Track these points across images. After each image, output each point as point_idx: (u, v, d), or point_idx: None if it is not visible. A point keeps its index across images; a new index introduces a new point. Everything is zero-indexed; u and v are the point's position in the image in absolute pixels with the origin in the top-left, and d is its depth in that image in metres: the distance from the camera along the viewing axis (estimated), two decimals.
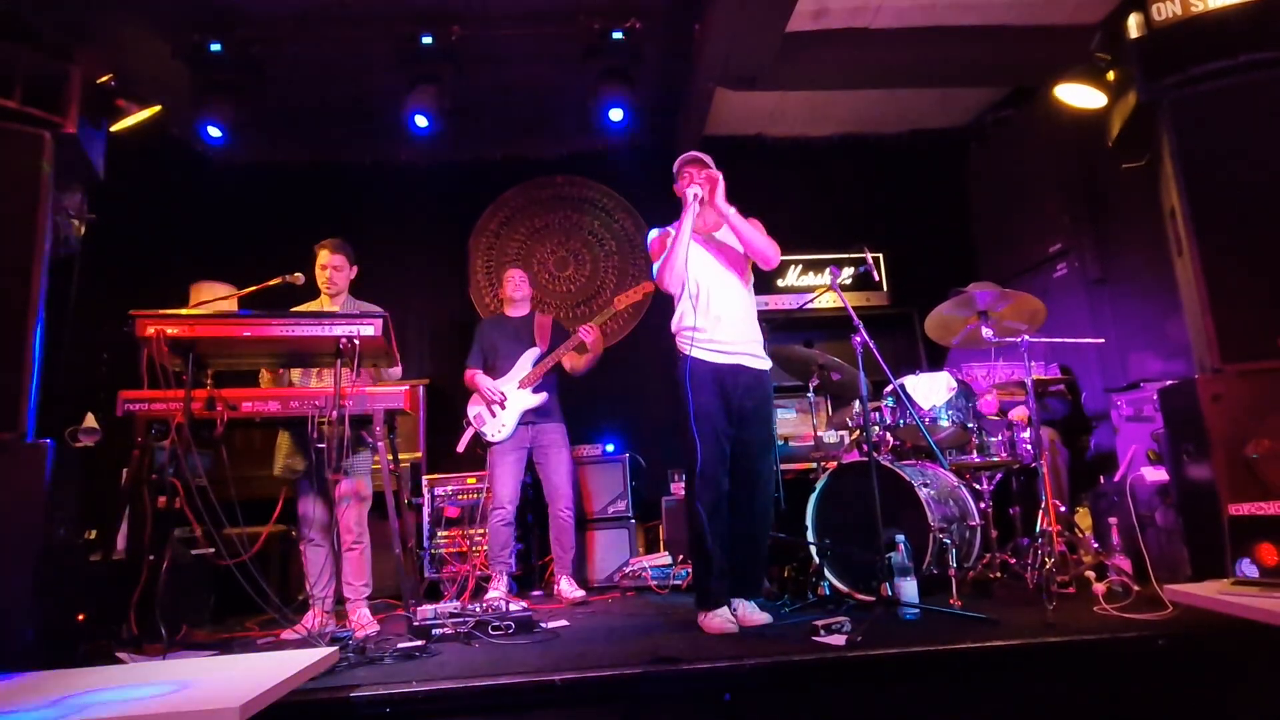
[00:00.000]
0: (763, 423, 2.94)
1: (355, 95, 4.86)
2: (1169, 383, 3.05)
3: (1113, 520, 3.31)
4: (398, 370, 3.39)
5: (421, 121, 4.30)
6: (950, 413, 3.42)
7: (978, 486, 3.49)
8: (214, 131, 4.25)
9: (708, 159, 2.96)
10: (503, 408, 3.92)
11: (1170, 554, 3.02)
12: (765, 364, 2.98)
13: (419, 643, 2.55)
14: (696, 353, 2.85)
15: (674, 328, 2.97)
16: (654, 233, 3.09)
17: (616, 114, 4.35)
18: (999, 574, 3.17)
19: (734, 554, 2.81)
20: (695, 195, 2.85)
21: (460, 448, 4.06)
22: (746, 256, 3.00)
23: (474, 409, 3.99)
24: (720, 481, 2.79)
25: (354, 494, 3.22)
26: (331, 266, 3.41)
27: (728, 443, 2.83)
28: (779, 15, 4.10)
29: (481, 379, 3.96)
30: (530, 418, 3.94)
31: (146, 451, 2.77)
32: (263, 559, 2.80)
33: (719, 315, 2.89)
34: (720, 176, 2.90)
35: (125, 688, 1.91)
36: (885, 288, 5.49)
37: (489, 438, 3.92)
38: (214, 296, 4.13)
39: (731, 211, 2.90)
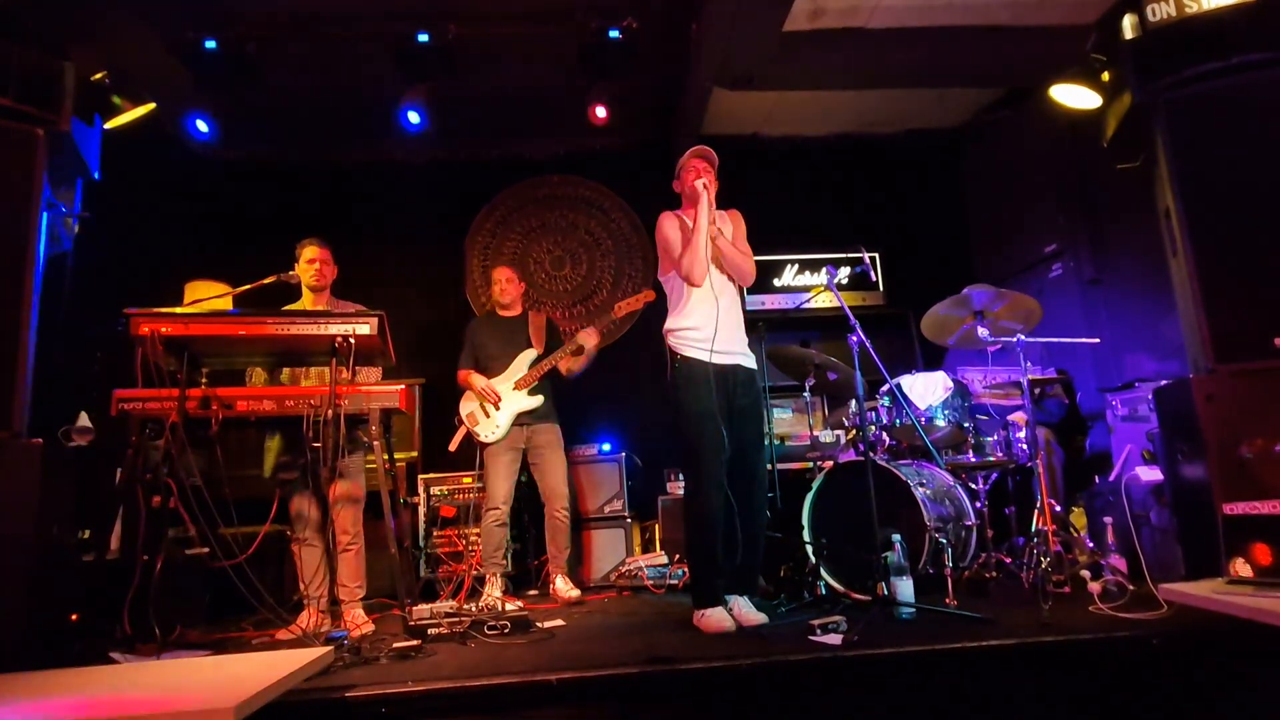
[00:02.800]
0: (757, 420, 2.96)
1: (351, 93, 4.84)
2: (1164, 383, 3.06)
3: (1108, 520, 3.32)
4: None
5: (414, 117, 4.29)
6: (946, 412, 3.43)
7: (973, 486, 3.50)
8: (201, 126, 4.24)
9: (712, 154, 2.98)
10: (497, 408, 3.90)
11: (1165, 553, 3.03)
12: (754, 362, 3.01)
13: (414, 642, 2.54)
14: (694, 354, 2.86)
15: (668, 329, 2.96)
16: (667, 218, 3.02)
17: (600, 112, 4.35)
18: (994, 573, 3.18)
19: (731, 552, 2.81)
20: (704, 185, 2.87)
21: (452, 447, 4.05)
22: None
23: (466, 408, 3.97)
24: (724, 482, 2.80)
25: (349, 494, 3.21)
26: (320, 260, 3.40)
27: (728, 442, 2.84)
28: (776, 15, 4.10)
29: (477, 377, 3.93)
30: (525, 419, 3.92)
31: (141, 450, 2.76)
32: (258, 559, 2.78)
33: (716, 316, 2.89)
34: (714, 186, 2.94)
35: (119, 688, 1.90)
36: (881, 287, 5.50)
37: (482, 438, 3.90)
38: (209, 295, 4.11)
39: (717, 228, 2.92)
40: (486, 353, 4.01)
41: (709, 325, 2.85)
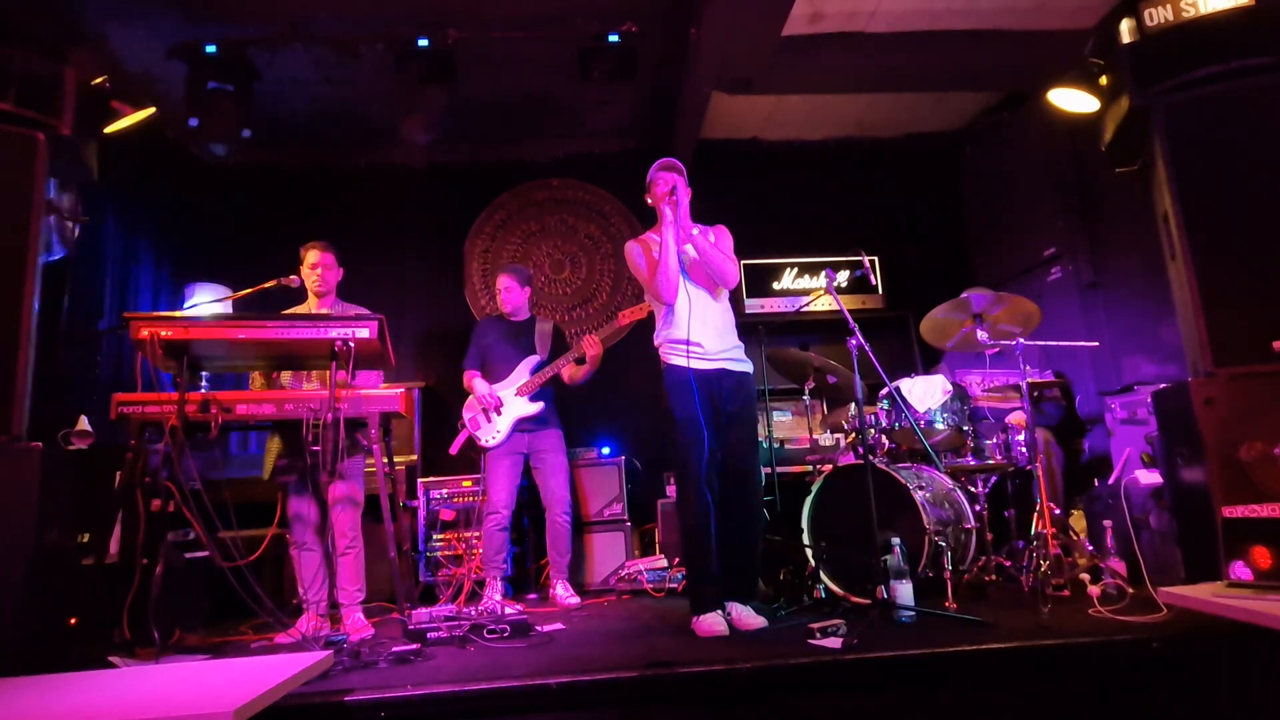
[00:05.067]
0: (748, 424, 2.95)
1: (351, 98, 4.85)
2: (1162, 386, 3.07)
3: (1107, 523, 3.32)
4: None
5: (421, 140, 4.30)
6: (945, 415, 3.43)
7: (973, 489, 3.50)
8: (217, 150, 4.24)
9: (679, 164, 2.98)
10: (498, 414, 3.90)
11: (1164, 556, 3.03)
12: (747, 366, 3.01)
13: (414, 646, 2.54)
14: (679, 361, 2.89)
15: (656, 340, 3.01)
16: (631, 246, 3.08)
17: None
18: (994, 577, 3.18)
19: (728, 557, 2.81)
20: (670, 203, 2.86)
21: (453, 450, 4.05)
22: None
23: (469, 412, 3.97)
24: (710, 487, 2.81)
25: (348, 497, 3.21)
26: (322, 265, 3.40)
27: (716, 448, 2.86)
28: (775, 19, 4.11)
29: (479, 384, 3.94)
30: (526, 424, 3.92)
31: (140, 454, 2.76)
32: (257, 562, 2.77)
33: (699, 324, 2.90)
34: (687, 193, 2.94)
35: (118, 692, 1.90)
36: (881, 291, 5.50)
37: (483, 442, 3.90)
38: (209, 299, 4.12)
39: (694, 232, 2.93)
40: (493, 355, 4.02)
41: (691, 334, 2.88)
